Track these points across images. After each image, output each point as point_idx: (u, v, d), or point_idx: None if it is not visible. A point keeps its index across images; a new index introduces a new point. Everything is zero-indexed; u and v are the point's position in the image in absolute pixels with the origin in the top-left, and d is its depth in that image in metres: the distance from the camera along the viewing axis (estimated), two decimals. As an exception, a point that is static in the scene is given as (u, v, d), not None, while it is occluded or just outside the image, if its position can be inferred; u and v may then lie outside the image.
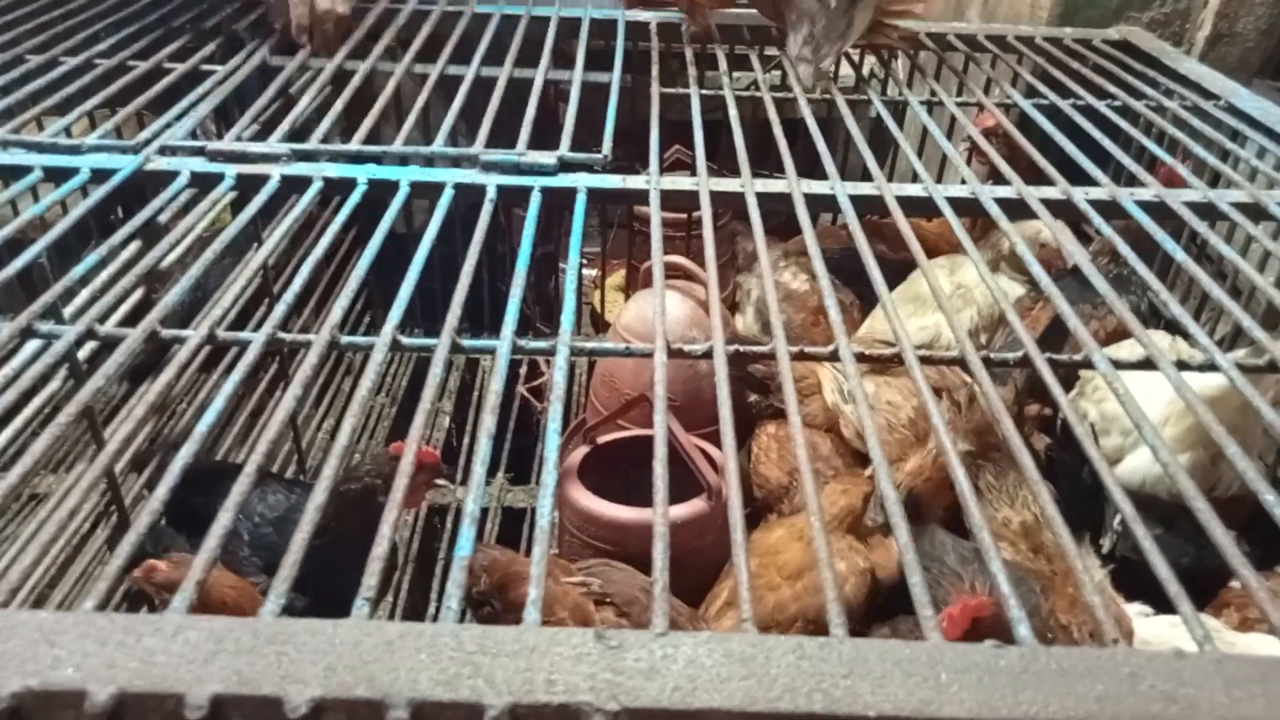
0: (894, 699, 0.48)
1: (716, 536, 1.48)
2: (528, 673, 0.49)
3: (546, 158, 1.15)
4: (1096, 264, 1.72)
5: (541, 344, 0.82)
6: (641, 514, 1.48)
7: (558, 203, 1.11)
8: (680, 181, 1.15)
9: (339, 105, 1.30)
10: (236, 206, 1.08)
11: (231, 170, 1.10)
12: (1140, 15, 2.18)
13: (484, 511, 1.98)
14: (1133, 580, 1.36)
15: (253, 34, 1.60)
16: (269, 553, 1.36)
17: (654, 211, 1.07)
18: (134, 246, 1.07)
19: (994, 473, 1.57)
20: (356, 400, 0.71)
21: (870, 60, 1.83)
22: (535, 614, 0.55)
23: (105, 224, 1.52)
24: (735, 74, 1.54)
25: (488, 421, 0.69)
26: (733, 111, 1.34)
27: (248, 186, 1.10)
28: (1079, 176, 1.21)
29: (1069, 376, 1.68)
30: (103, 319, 0.85)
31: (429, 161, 1.16)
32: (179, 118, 1.24)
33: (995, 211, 1.09)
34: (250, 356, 0.78)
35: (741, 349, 0.84)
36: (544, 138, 1.22)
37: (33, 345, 0.81)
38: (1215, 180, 1.27)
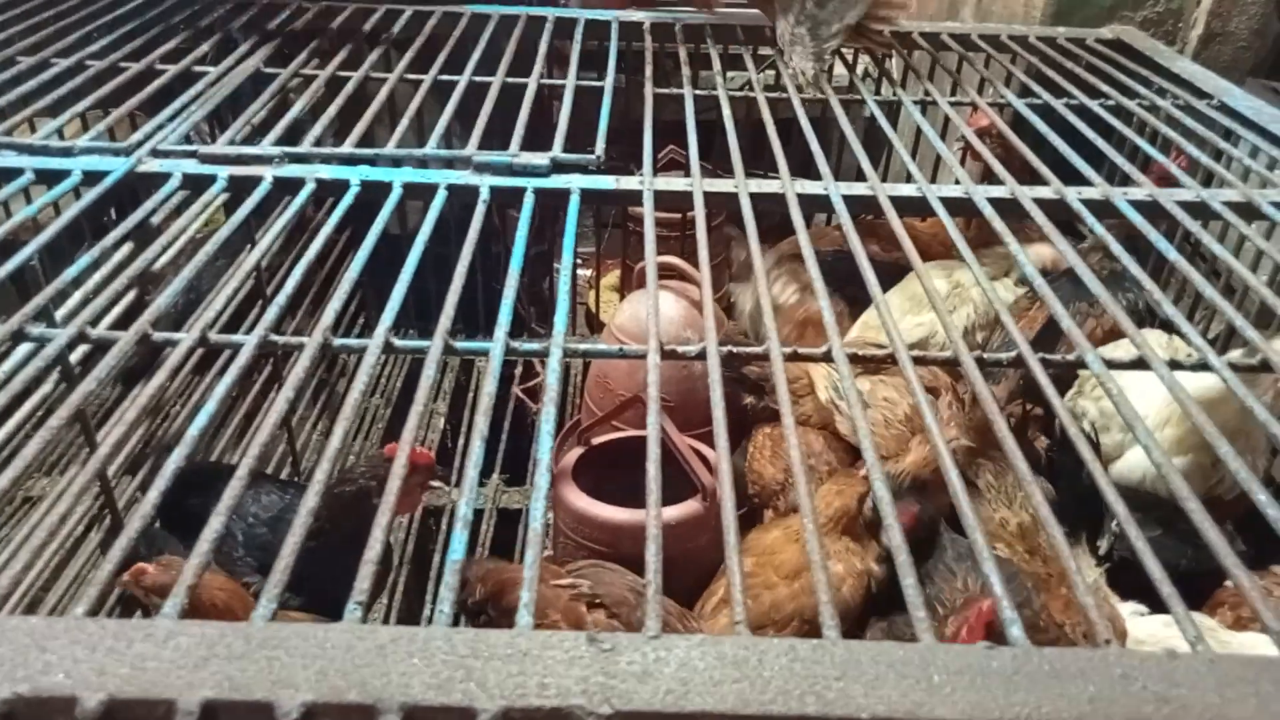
0: (887, 701, 0.48)
1: (711, 537, 1.48)
2: (520, 676, 0.49)
3: (539, 159, 1.14)
4: (1090, 260, 1.73)
5: (535, 345, 0.82)
6: (635, 515, 1.48)
7: (551, 204, 1.11)
8: (674, 182, 1.15)
9: (333, 108, 1.30)
10: (230, 209, 1.08)
11: (224, 172, 1.10)
12: (1133, 14, 2.19)
13: (479, 513, 1.98)
14: (1129, 580, 1.37)
15: (246, 35, 1.59)
16: (263, 553, 1.36)
17: (647, 212, 1.07)
18: (126, 249, 1.07)
19: (994, 472, 1.57)
20: (349, 403, 0.71)
21: (864, 60, 1.83)
22: (528, 617, 0.55)
23: (98, 226, 1.51)
24: (729, 74, 1.54)
25: (480, 424, 0.69)
26: (726, 112, 1.34)
27: (240, 188, 1.09)
28: (1072, 176, 1.21)
29: (1065, 376, 1.68)
30: (95, 322, 0.85)
31: (422, 163, 1.16)
32: (172, 119, 1.24)
33: (989, 211, 1.09)
34: (242, 359, 0.78)
35: (735, 350, 0.84)
36: (538, 139, 1.22)
37: (25, 348, 0.81)
38: (1208, 179, 1.27)
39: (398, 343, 0.81)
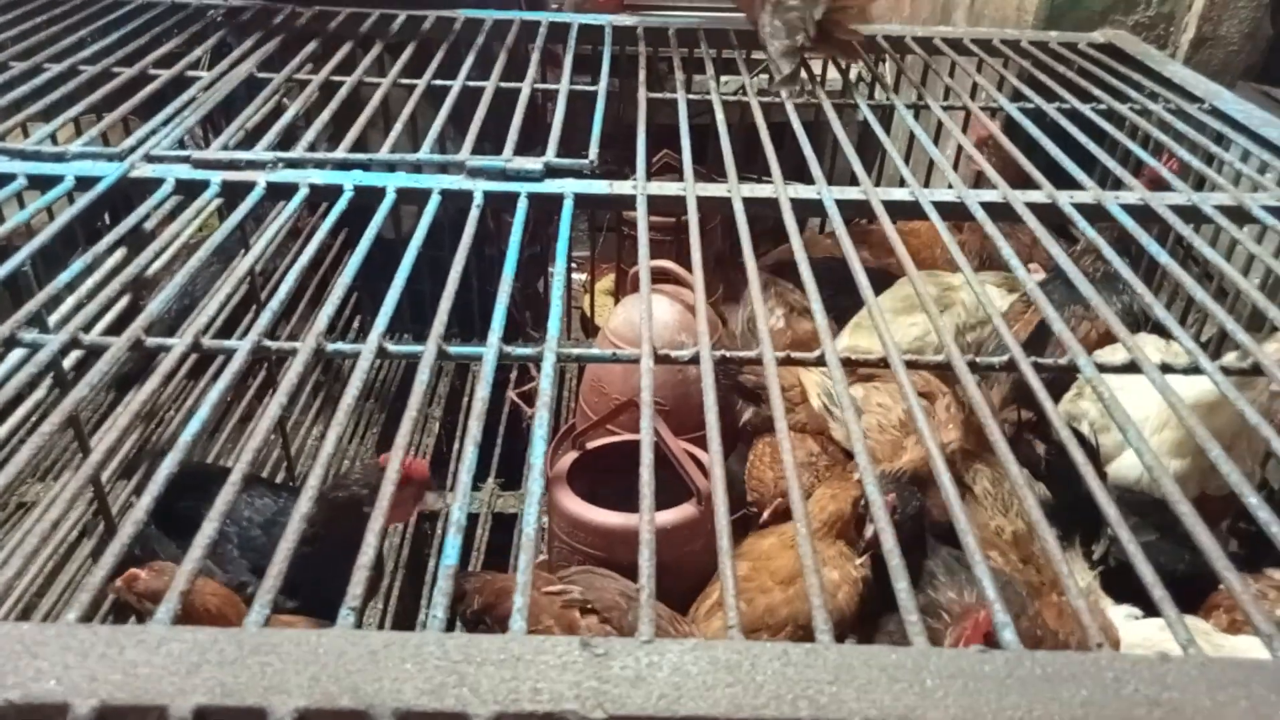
0: (879, 705, 0.48)
1: (706, 541, 1.48)
2: (513, 681, 0.49)
3: (533, 163, 1.15)
4: (1083, 263, 1.74)
5: (528, 350, 0.82)
6: (630, 519, 1.48)
7: (545, 209, 1.12)
8: (667, 186, 1.15)
9: (326, 113, 1.30)
10: (224, 214, 1.08)
11: (217, 177, 1.10)
12: (1125, 19, 2.20)
13: (474, 518, 1.98)
14: (1124, 584, 1.37)
15: (240, 40, 1.60)
16: (257, 554, 1.36)
17: (641, 216, 1.07)
18: (120, 254, 1.07)
19: (991, 479, 1.57)
20: (342, 408, 0.71)
21: (857, 65, 1.83)
22: (521, 622, 0.55)
23: (92, 232, 1.51)
24: (723, 78, 1.54)
25: (474, 428, 0.69)
26: (720, 116, 1.34)
27: (233, 193, 1.09)
28: (1064, 180, 1.21)
29: (1062, 380, 1.69)
30: (88, 327, 0.85)
31: (416, 168, 1.16)
32: (165, 124, 1.24)
33: (981, 215, 1.10)
34: (236, 364, 0.78)
35: (728, 354, 0.84)
36: (532, 144, 1.22)
37: (17, 354, 0.81)
38: (1200, 183, 1.27)
39: (391, 347, 0.82)
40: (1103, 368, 0.81)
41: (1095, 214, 1.13)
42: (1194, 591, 1.37)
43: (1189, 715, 0.49)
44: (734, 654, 0.51)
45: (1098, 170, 1.27)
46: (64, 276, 0.92)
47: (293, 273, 0.93)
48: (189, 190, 1.10)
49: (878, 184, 1.18)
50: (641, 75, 1.51)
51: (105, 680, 0.47)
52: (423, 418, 2.23)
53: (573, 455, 1.64)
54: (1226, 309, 0.93)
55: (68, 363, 1.26)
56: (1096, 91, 1.57)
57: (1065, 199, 1.14)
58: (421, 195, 1.09)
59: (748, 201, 1.11)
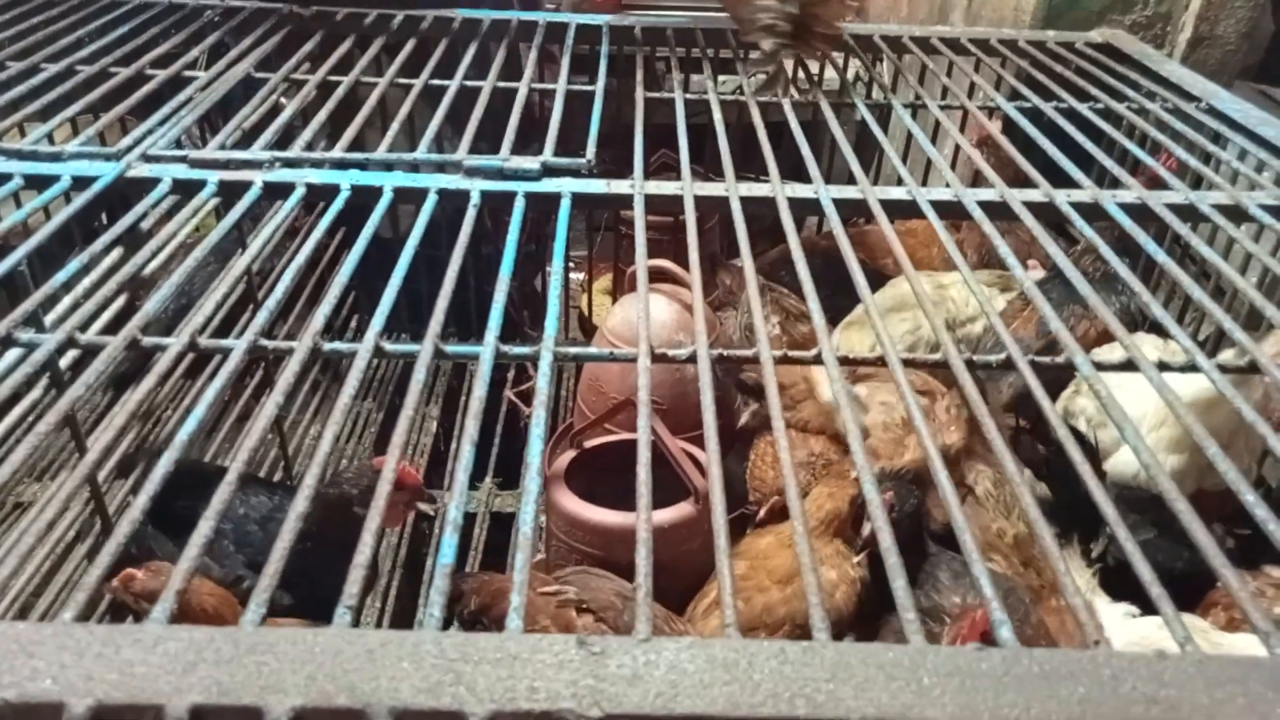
0: (876, 703, 0.48)
1: (703, 540, 1.48)
2: (510, 680, 0.49)
3: (530, 163, 1.15)
4: (1083, 263, 1.74)
5: (525, 349, 0.82)
6: (628, 518, 1.48)
7: (542, 208, 1.12)
8: (665, 186, 1.15)
9: (323, 113, 1.30)
10: (222, 214, 1.08)
11: (214, 177, 1.10)
12: (1122, 18, 2.20)
13: (472, 517, 1.97)
14: (1123, 582, 1.37)
15: (237, 39, 1.59)
16: (253, 550, 1.37)
17: (638, 216, 1.07)
18: (116, 254, 1.07)
19: (993, 480, 1.57)
20: (339, 407, 0.71)
21: (855, 64, 1.84)
22: (518, 620, 0.55)
23: (89, 231, 1.51)
24: (720, 78, 1.54)
25: (470, 428, 0.69)
26: (717, 116, 1.34)
27: (230, 193, 1.09)
28: (1062, 179, 1.21)
29: (1059, 380, 1.69)
30: (84, 327, 0.85)
31: (413, 167, 1.16)
32: (162, 124, 1.24)
33: (978, 214, 1.10)
34: (232, 363, 0.77)
35: (725, 353, 0.84)
36: (529, 143, 1.22)
37: (13, 353, 0.81)
38: (1197, 182, 1.27)
39: (388, 346, 0.81)
40: (1100, 366, 0.81)
41: (1093, 213, 1.13)
42: (1193, 589, 1.37)
43: (1186, 713, 0.49)
44: (731, 652, 0.51)
45: (1095, 169, 1.27)
46: (60, 276, 0.92)
47: (289, 272, 0.93)
48: (186, 190, 1.10)
49: (875, 184, 1.18)
50: (639, 74, 1.51)
51: (101, 679, 0.47)
52: (420, 417, 2.23)
53: (570, 454, 1.64)
54: (1224, 308, 0.93)
55: (64, 362, 1.25)
56: (1094, 91, 1.57)
57: (1063, 198, 1.14)
58: (419, 195, 1.09)
59: (745, 201, 1.11)
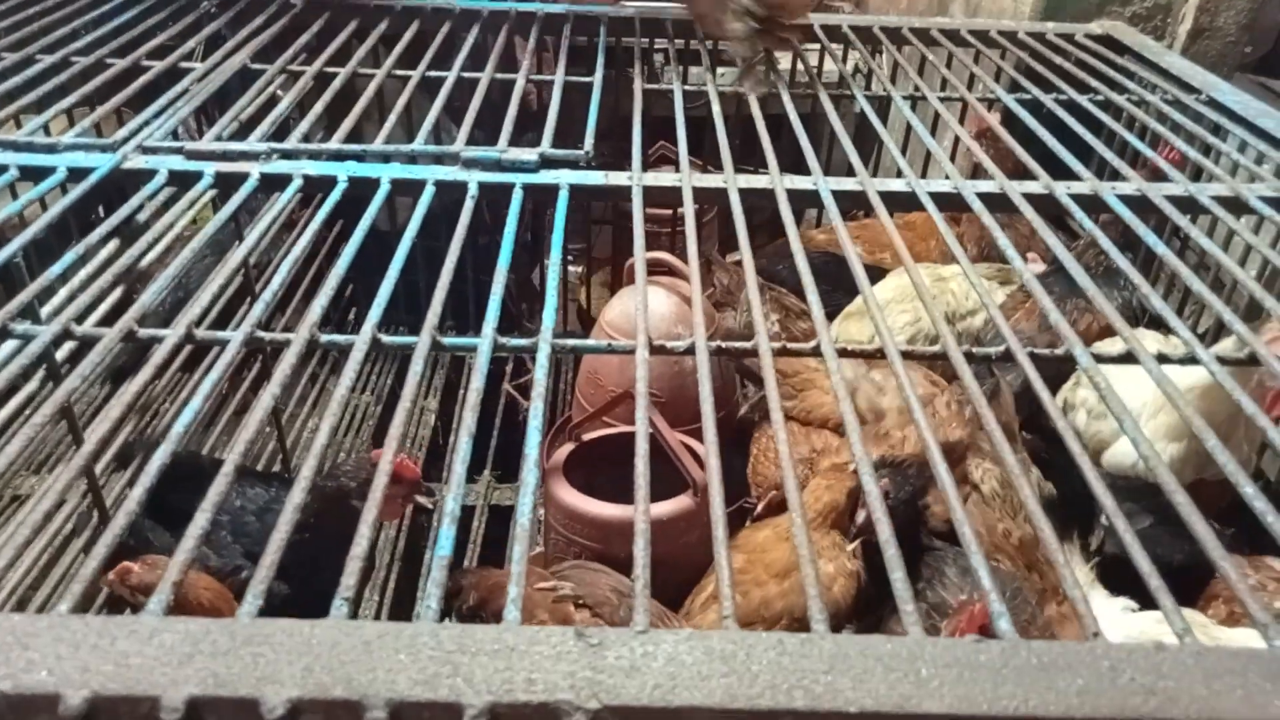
0: (875, 694, 0.48)
1: (702, 533, 1.48)
2: (507, 672, 0.48)
3: (528, 154, 1.14)
4: (1086, 257, 1.74)
5: (523, 341, 0.82)
6: (626, 511, 1.47)
7: (540, 199, 1.11)
8: (663, 177, 1.15)
9: (320, 104, 1.29)
10: (219, 206, 1.07)
11: (210, 168, 1.09)
12: (1122, 10, 2.19)
13: (470, 510, 1.97)
14: (1121, 575, 1.37)
15: (233, 30, 1.59)
16: (250, 540, 1.37)
17: (636, 208, 1.07)
18: (113, 245, 1.06)
19: (1000, 479, 1.56)
20: (335, 398, 0.71)
21: (854, 56, 1.83)
22: (515, 612, 0.54)
23: (85, 223, 1.51)
24: (719, 70, 1.54)
25: (468, 419, 0.69)
26: (716, 108, 1.34)
27: (226, 185, 1.09)
28: (1061, 171, 1.21)
29: (1057, 372, 1.69)
30: (80, 318, 0.84)
31: (411, 159, 1.16)
32: (158, 116, 1.23)
33: (978, 206, 1.09)
34: (229, 355, 0.77)
35: (724, 345, 0.84)
36: (525, 132, 1.22)
37: (9, 345, 0.80)
38: (1197, 174, 1.27)
39: (385, 339, 0.81)
40: (1099, 357, 0.81)
41: (1092, 205, 1.13)
42: (1192, 581, 1.37)
43: (1184, 704, 0.48)
44: (729, 644, 0.50)
45: (1095, 161, 1.27)
46: (56, 268, 0.92)
47: (287, 264, 0.92)
48: (182, 181, 1.09)
49: (874, 176, 1.17)
50: (637, 66, 1.51)
51: (97, 671, 0.47)
52: (418, 409, 2.23)
53: (569, 447, 1.64)
54: (1223, 299, 0.93)
55: (60, 354, 1.25)
56: (1094, 83, 1.56)
57: (1062, 189, 1.14)
58: (416, 186, 1.09)
59: (744, 193, 1.11)
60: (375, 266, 0.91)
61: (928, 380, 1.71)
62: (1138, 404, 1.50)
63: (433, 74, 1.43)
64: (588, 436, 1.66)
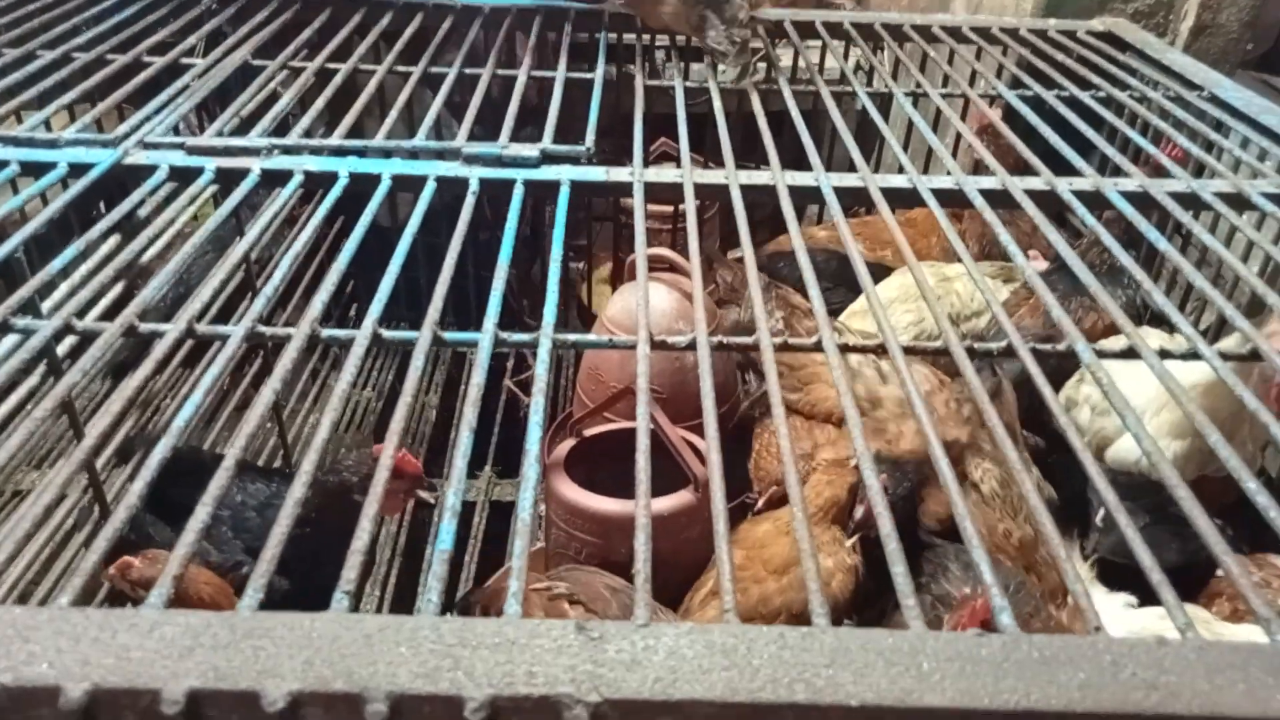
0: (876, 688, 0.48)
1: (703, 529, 1.48)
2: (508, 665, 0.48)
3: (529, 150, 1.14)
4: (1090, 255, 1.74)
5: (524, 336, 0.82)
6: (627, 506, 1.48)
7: (541, 195, 1.11)
8: (664, 173, 1.15)
9: (321, 100, 1.29)
10: (220, 201, 1.07)
11: (211, 164, 1.09)
12: (1124, 6, 2.19)
13: (471, 505, 1.97)
14: (1120, 571, 1.37)
15: (234, 27, 1.59)
16: (251, 535, 1.37)
17: (638, 204, 1.07)
18: (114, 241, 1.06)
19: (1000, 480, 1.56)
20: (336, 393, 0.71)
21: (856, 53, 1.83)
22: (516, 606, 0.54)
23: (86, 218, 1.51)
24: (720, 67, 1.53)
25: (469, 414, 0.69)
26: (717, 104, 1.34)
27: (227, 180, 1.09)
28: (1063, 167, 1.21)
29: (1061, 369, 1.68)
30: (81, 313, 0.84)
31: (412, 155, 1.16)
32: (159, 111, 1.23)
33: (979, 202, 1.09)
34: (229, 350, 0.77)
35: (725, 340, 0.84)
36: (525, 126, 1.22)
37: (10, 340, 0.80)
38: (1199, 170, 1.27)
39: (385, 334, 0.81)
40: (1101, 353, 0.80)
41: (1094, 201, 1.12)
42: (1191, 581, 1.37)
43: (1186, 698, 0.48)
44: (730, 638, 0.50)
45: (1097, 157, 1.27)
46: (57, 263, 0.92)
47: (287, 259, 0.92)
48: (183, 177, 1.09)
49: (876, 172, 1.17)
50: (639, 62, 1.51)
51: (98, 664, 0.47)
52: (419, 405, 2.23)
53: (570, 443, 1.64)
54: (1226, 295, 0.92)
55: (61, 349, 1.25)
56: (1095, 79, 1.56)
57: (1064, 186, 1.14)
58: (417, 182, 1.09)
59: (745, 189, 1.11)
60: (376, 262, 0.91)
61: (933, 377, 1.70)
62: (1141, 401, 1.50)
63: (434, 70, 1.43)
64: (589, 432, 1.66)
